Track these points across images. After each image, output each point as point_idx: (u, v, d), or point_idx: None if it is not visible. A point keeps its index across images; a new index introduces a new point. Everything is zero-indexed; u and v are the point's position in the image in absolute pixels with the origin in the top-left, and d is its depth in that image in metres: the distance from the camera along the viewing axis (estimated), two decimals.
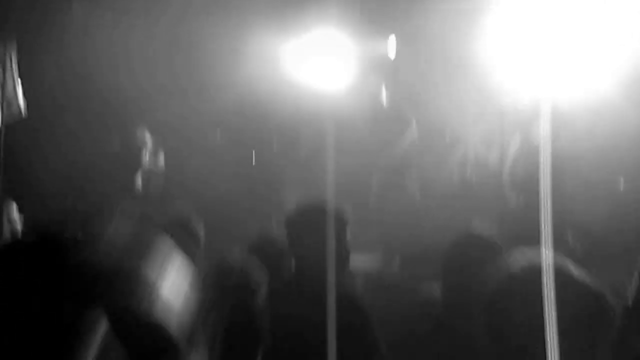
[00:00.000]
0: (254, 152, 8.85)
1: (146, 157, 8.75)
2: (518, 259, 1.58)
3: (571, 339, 1.39)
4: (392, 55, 8.09)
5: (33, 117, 8.29)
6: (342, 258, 3.02)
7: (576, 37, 6.32)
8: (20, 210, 5.60)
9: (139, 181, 8.76)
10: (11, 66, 7.89)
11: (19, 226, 5.03)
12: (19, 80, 7.94)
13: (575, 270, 1.51)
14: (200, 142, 8.93)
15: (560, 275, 1.46)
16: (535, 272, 1.47)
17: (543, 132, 5.92)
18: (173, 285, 1.01)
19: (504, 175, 6.95)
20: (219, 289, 2.33)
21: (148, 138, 8.77)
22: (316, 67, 8.19)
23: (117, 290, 1.00)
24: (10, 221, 4.76)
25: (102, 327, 0.97)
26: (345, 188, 6.93)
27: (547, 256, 1.54)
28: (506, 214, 6.43)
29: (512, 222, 6.08)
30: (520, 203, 6.38)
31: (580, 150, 6.43)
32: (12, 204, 4.56)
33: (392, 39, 8.06)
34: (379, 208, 7.54)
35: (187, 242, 3.94)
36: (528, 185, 5.92)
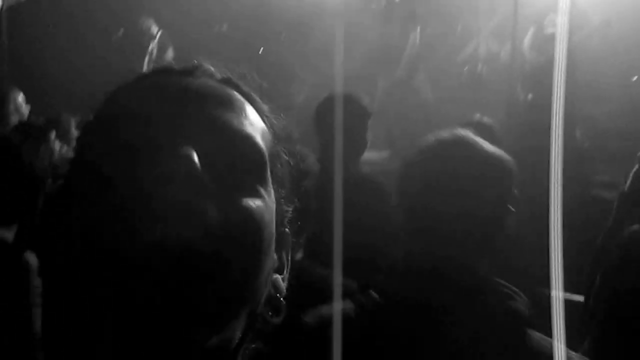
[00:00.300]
0: (262, 49, 8.72)
1: (152, 47, 8.66)
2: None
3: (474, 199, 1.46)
4: None
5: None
6: (360, 147, 3.11)
7: None
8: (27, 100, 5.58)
9: (144, 69, 8.70)
10: None
11: (25, 116, 4.99)
12: None
13: (478, 139, 1.56)
14: (208, 36, 8.79)
15: (464, 144, 1.53)
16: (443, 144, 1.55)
17: (559, 23, 5.78)
18: None
19: (515, 68, 6.83)
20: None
21: (154, 28, 8.65)
22: None
23: None
24: (17, 110, 4.71)
25: None
26: (354, 83, 6.87)
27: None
28: (516, 108, 6.37)
29: (522, 115, 6.06)
30: (531, 97, 6.30)
31: (594, 45, 6.28)
32: (18, 93, 4.51)
33: None
34: (388, 104, 7.48)
35: None
36: (540, 79, 5.83)
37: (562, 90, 3.92)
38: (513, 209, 1.53)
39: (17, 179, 2.44)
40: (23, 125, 3.75)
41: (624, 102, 6.74)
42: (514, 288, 1.49)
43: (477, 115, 3.25)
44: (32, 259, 2.16)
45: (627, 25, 6.30)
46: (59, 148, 3.99)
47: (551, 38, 5.85)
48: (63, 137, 4.72)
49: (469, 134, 1.57)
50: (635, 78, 6.85)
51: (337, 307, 1.52)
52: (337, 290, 1.78)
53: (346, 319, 1.45)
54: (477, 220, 1.47)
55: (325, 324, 1.45)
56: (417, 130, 7.06)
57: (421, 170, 1.54)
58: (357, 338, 1.38)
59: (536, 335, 1.44)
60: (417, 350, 1.39)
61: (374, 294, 1.52)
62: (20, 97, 4.44)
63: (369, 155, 6.55)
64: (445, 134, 1.56)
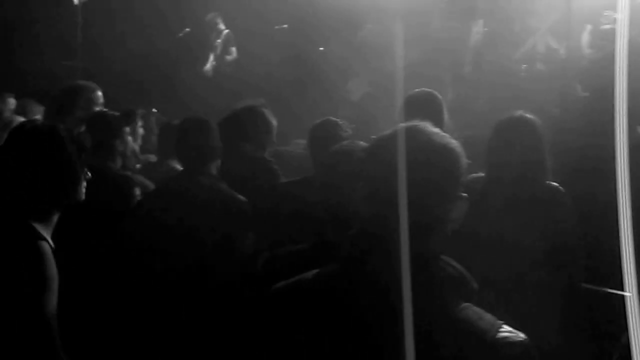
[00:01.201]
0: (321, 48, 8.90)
1: (217, 42, 9.01)
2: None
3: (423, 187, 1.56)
4: None
5: None
6: None
7: None
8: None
9: (208, 65, 9.07)
10: None
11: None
12: None
13: (434, 130, 1.65)
14: (270, 34, 9.04)
15: (417, 134, 1.62)
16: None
17: (619, 20, 5.78)
18: None
19: (572, 65, 6.83)
20: None
21: (221, 26, 8.99)
22: None
23: None
24: (93, 103, 4.81)
25: None
26: (412, 81, 6.96)
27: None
28: (575, 104, 6.37)
29: (581, 111, 6.05)
30: (589, 94, 6.30)
31: None
32: (96, 89, 4.56)
33: None
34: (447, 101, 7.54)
35: (259, 129, 4.16)
36: (597, 75, 5.84)
37: (624, 85, 3.97)
38: (465, 195, 1.62)
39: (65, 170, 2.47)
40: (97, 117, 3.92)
41: None
42: (460, 267, 1.58)
43: (519, 111, 3.38)
44: (47, 247, 2.32)
45: None
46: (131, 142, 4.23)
47: (608, 34, 5.86)
48: (134, 131, 4.99)
49: (424, 124, 1.65)
50: None
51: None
52: None
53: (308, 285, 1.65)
54: (425, 206, 1.57)
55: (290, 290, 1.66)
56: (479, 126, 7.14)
57: (376, 159, 1.65)
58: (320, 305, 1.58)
59: (472, 310, 1.54)
60: (368, 317, 1.54)
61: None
62: (98, 93, 4.56)
63: None
64: (402, 124, 1.65)
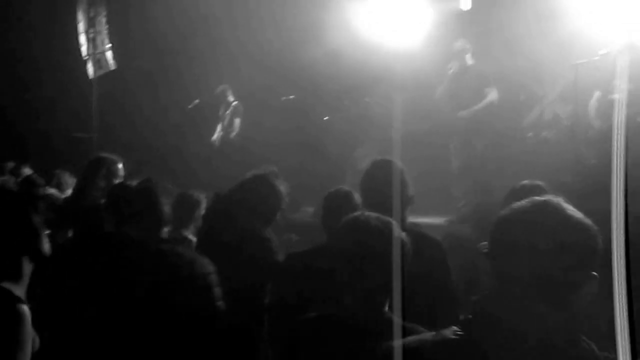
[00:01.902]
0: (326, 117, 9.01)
1: (225, 113, 9.20)
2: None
3: (552, 262, 1.59)
4: (466, 7, 7.97)
5: (121, 70, 8.78)
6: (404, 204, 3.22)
7: None
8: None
9: (216, 136, 9.23)
10: (101, 24, 8.40)
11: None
12: (108, 36, 8.45)
13: (569, 206, 1.70)
14: (275, 102, 9.20)
15: (552, 209, 1.67)
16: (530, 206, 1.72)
17: (619, 89, 5.80)
18: None
19: (580, 132, 6.80)
20: None
21: (230, 98, 9.21)
22: (389, 25, 8.17)
23: None
24: (113, 178, 4.83)
25: None
26: (420, 150, 6.99)
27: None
28: (582, 172, 6.31)
29: (588, 177, 5.98)
30: (595, 162, 6.24)
31: None
32: (115, 159, 4.64)
33: None
34: (452, 170, 7.53)
35: (268, 196, 4.11)
36: (604, 144, 5.80)
37: (622, 157, 3.92)
38: (596, 274, 1.62)
39: None
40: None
41: None
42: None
43: (526, 181, 3.33)
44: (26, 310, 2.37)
45: None
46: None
47: (615, 104, 5.86)
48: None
49: (560, 200, 1.71)
50: None
51: None
52: None
53: None
54: (555, 281, 1.59)
55: None
56: (484, 193, 7.10)
57: (512, 228, 1.68)
58: None
59: None
60: None
61: None
62: (119, 165, 4.65)
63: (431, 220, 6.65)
64: (539, 198, 1.71)
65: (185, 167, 8.41)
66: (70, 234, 3.98)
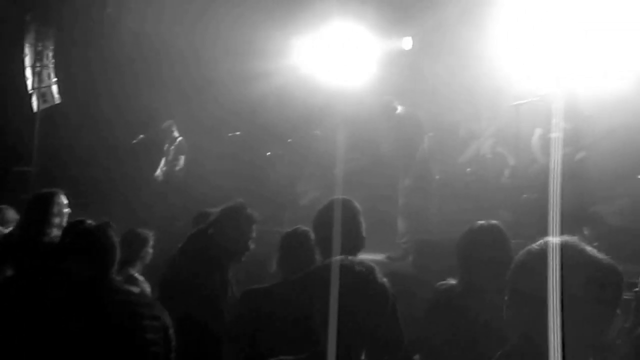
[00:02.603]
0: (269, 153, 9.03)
1: (170, 149, 9.10)
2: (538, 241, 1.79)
3: (581, 307, 1.59)
4: (407, 47, 8.18)
5: (66, 104, 8.60)
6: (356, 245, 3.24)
7: (593, 31, 6.39)
8: None
9: (159, 171, 9.10)
10: (47, 58, 8.23)
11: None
12: (54, 70, 8.28)
13: (586, 246, 1.71)
14: (218, 137, 9.19)
15: (571, 251, 1.67)
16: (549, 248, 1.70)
17: (556, 128, 6.05)
18: None
19: (519, 169, 7.02)
20: None
21: (175, 134, 9.13)
22: (332, 62, 8.32)
23: None
24: (60, 214, 4.69)
25: None
26: (362, 186, 7.04)
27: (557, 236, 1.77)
28: (522, 207, 6.48)
29: (528, 214, 6.14)
30: (535, 196, 6.43)
31: (599, 146, 6.49)
32: (61, 195, 4.51)
33: (407, 38, 8.15)
34: (395, 206, 7.61)
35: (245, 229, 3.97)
36: (545, 180, 5.99)
37: (558, 192, 4.08)
38: (619, 313, 1.65)
39: None
40: None
41: (630, 200, 6.91)
42: None
43: (483, 221, 3.33)
44: None
45: (631, 130, 6.58)
46: None
47: (556, 142, 6.10)
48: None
49: (578, 241, 1.72)
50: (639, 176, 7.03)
51: None
52: None
53: None
54: (583, 322, 1.60)
55: None
56: (428, 229, 7.19)
57: (532, 271, 1.68)
58: None
59: None
60: None
61: None
62: (63, 199, 4.52)
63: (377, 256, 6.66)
64: (555, 239, 1.70)
65: (129, 202, 8.24)
66: (10, 271, 3.82)
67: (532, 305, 1.62)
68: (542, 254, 1.65)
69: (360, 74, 8.17)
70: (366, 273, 2.06)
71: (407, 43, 8.18)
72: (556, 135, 6.12)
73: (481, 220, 3.26)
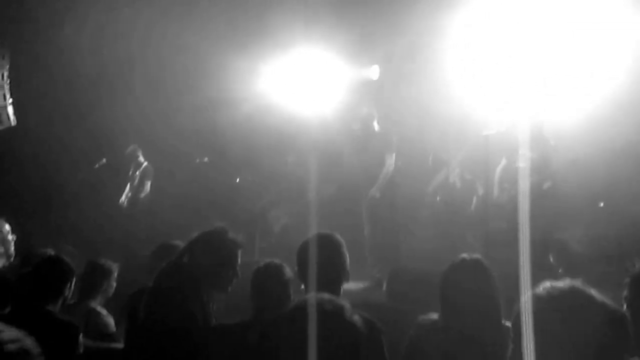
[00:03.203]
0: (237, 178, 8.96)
1: (135, 174, 8.88)
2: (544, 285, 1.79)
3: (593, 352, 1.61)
4: (374, 76, 8.22)
5: (22, 126, 8.40)
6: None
7: (561, 62, 6.50)
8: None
9: (124, 197, 8.88)
10: (2, 79, 8.04)
11: (12, 248, 4.77)
12: (10, 92, 8.09)
13: (594, 292, 1.72)
14: (186, 162, 9.06)
15: (579, 297, 1.68)
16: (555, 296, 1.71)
17: (523, 158, 6.11)
18: None
19: (487, 198, 7.05)
20: None
21: (141, 159, 8.92)
22: (300, 89, 8.32)
23: None
24: (4, 241, 4.57)
25: None
26: (331, 212, 7.00)
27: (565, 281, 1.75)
28: (491, 235, 6.50)
29: (496, 243, 6.17)
30: (504, 225, 6.46)
31: (564, 175, 6.57)
32: (4, 225, 4.36)
33: (375, 66, 8.20)
34: (364, 236, 7.56)
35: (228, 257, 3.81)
36: (510, 208, 6.05)
37: (526, 220, 4.07)
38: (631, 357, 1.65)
39: None
40: None
41: (590, 227, 7.00)
42: None
43: (465, 255, 3.26)
44: None
45: (593, 160, 6.70)
46: None
47: (521, 172, 6.16)
48: None
49: (583, 285, 1.71)
50: (602, 204, 7.13)
51: None
52: None
53: None
54: None
55: None
56: (396, 258, 7.14)
57: (538, 320, 1.67)
58: None
59: None
60: None
61: None
62: (7, 228, 4.37)
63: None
64: (560, 284, 1.69)
65: (91, 230, 8.03)
66: None
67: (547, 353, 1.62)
68: (552, 300, 1.68)
69: (328, 101, 8.18)
70: (335, 313, 1.96)
71: (374, 71, 8.22)
72: (523, 165, 6.18)
73: (464, 254, 3.20)
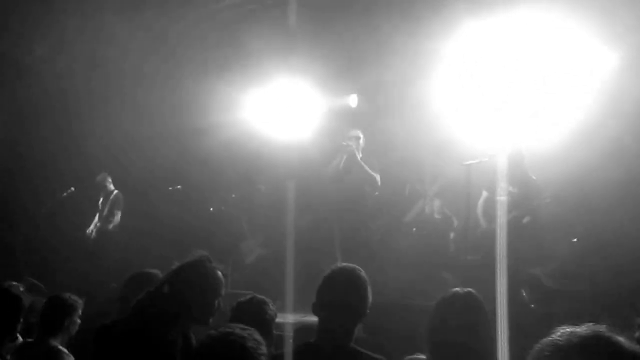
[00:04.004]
0: (211, 208, 8.84)
1: (104, 203, 8.65)
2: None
3: None
4: (353, 104, 8.19)
5: None
6: None
7: (534, 90, 6.52)
8: None
9: (93, 226, 8.65)
10: None
11: None
12: None
13: (622, 339, 1.58)
14: (162, 190, 8.94)
15: (605, 345, 1.54)
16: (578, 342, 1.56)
17: (503, 191, 6.08)
18: None
19: (466, 230, 7.01)
20: None
21: (110, 187, 8.70)
22: (278, 118, 8.25)
23: None
24: None
25: None
26: (304, 244, 6.89)
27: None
28: (468, 268, 6.44)
29: (472, 276, 6.11)
30: (480, 258, 6.41)
31: (543, 210, 6.55)
32: None
33: (354, 95, 8.18)
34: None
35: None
36: (489, 242, 5.98)
37: (504, 255, 4.04)
38: None
39: None
40: None
41: (563, 263, 7.00)
42: None
43: (458, 289, 3.07)
44: None
45: (571, 197, 6.70)
46: None
47: (501, 205, 6.12)
48: None
49: (609, 332, 1.58)
50: (575, 240, 7.13)
51: None
52: None
53: None
54: None
55: None
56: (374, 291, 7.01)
57: None
58: None
59: None
60: None
61: None
62: None
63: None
64: (582, 330, 1.56)
65: (58, 261, 7.80)
66: None
67: None
68: (573, 349, 1.54)
69: (307, 129, 8.11)
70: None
71: (353, 100, 8.20)
72: (503, 198, 6.16)
73: (456, 288, 2.96)
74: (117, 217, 8.60)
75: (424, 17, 6.99)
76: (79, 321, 3.94)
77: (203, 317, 3.09)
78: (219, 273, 3.18)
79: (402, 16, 7.31)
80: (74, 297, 3.99)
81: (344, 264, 3.08)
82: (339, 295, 2.86)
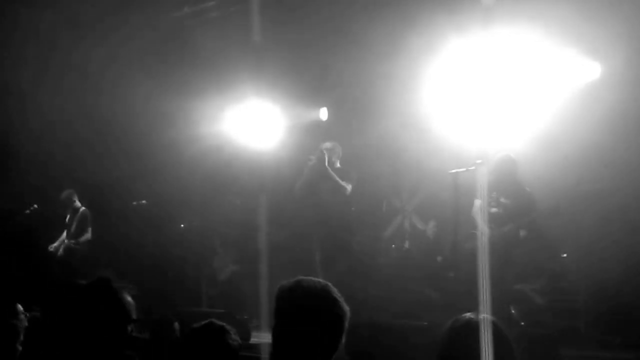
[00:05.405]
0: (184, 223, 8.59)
1: (71, 220, 8.34)
2: None
3: None
4: (323, 117, 8.00)
5: None
6: None
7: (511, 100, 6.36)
8: None
9: (57, 244, 8.30)
10: None
11: None
12: None
13: None
14: (124, 206, 8.62)
15: None
16: None
17: (495, 203, 5.85)
18: None
19: (444, 245, 6.82)
20: None
21: (77, 202, 8.38)
22: (248, 132, 8.02)
23: None
24: None
25: None
26: (279, 259, 6.65)
27: None
28: (447, 284, 6.24)
29: (452, 292, 5.91)
30: (461, 274, 6.19)
31: (536, 224, 6.37)
32: None
33: (324, 108, 8.01)
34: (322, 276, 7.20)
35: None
36: (469, 258, 5.74)
37: (487, 270, 3.85)
38: None
39: None
40: None
41: (550, 279, 6.83)
42: None
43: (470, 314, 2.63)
44: None
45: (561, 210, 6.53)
46: None
47: (495, 217, 5.89)
48: None
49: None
50: (564, 255, 6.98)
51: None
52: None
53: None
54: None
55: None
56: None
57: None
58: None
59: None
60: None
61: None
62: None
63: None
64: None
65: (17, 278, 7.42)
66: None
67: None
68: None
69: (277, 143, 7.88)
70: None
71: (323, 113, 7.97)
72: (494, 210, 5.93)
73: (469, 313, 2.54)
74: (89, 233, 8.22)
75: (397, 27, 6.84)
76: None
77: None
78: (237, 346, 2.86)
79: (374, 27, 7.16)
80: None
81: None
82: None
